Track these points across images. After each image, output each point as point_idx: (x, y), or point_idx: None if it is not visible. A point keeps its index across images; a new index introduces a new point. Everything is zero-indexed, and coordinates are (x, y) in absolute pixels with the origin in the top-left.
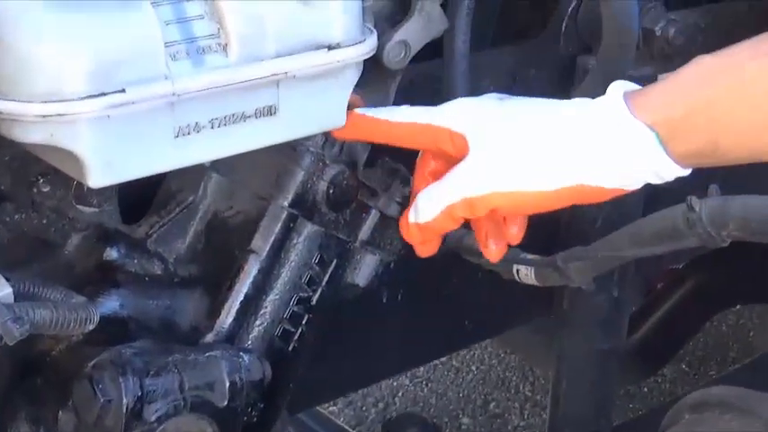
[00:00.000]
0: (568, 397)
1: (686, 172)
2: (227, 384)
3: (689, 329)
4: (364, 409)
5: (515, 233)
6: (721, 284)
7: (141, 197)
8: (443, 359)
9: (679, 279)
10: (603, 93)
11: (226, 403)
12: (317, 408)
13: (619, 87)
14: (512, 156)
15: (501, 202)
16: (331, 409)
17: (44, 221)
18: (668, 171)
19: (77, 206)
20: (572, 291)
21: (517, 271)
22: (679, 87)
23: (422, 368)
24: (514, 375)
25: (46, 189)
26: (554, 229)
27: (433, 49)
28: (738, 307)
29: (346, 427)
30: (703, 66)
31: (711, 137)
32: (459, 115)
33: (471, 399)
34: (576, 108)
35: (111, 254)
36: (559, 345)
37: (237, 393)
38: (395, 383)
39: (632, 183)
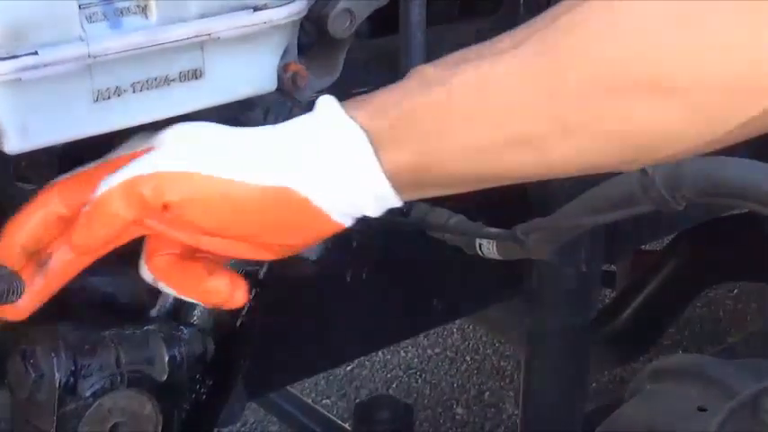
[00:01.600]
0: (540, 374)
1: (399, 202)
2: (167, 358)
3: (673, 310)
4: (357, 401)
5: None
6: (703, 264)
7: None
8: (438, 350)
9: (659, 261)
10: None
11: (165, 378)
12: (310, 402)
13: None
14: (207, 143)
15: (183, 189)
16: (324, 402)
17: None
18: (381, 187)
19: (17, 183)
20: (540, 267)
21: (479, 245)
22: (396, 95)
23: (416, 359)
24: (509, 365)
25: None
26: (525, 210)
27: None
28: (735, 291)
29: (339, 421)
30: (424, 74)
31: (421, 149)
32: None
33: (466, 389)
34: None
35: None
36: (529, 322)
37: (177, 367)
38: (388, 375)
39: (346, 202)
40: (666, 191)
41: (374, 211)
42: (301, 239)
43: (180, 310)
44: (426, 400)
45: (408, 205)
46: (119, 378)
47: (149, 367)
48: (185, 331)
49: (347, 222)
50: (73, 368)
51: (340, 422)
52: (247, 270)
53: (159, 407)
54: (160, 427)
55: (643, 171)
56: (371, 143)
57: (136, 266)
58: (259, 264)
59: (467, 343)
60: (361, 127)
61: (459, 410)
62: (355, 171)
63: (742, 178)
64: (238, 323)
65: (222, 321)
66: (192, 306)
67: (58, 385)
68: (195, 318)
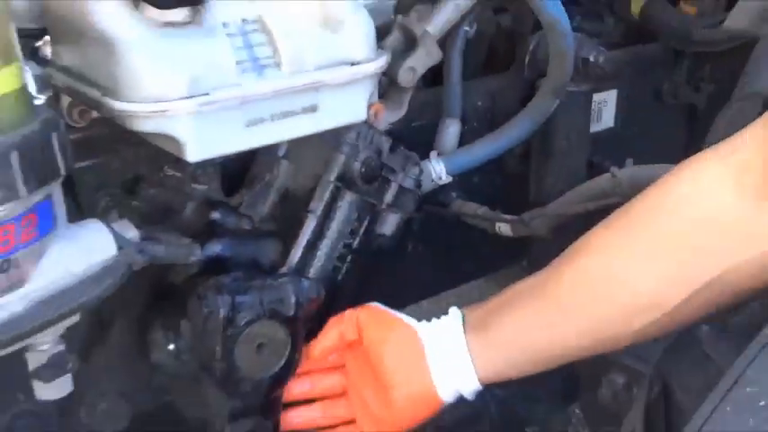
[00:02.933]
0: None
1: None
2: (293, 300)
3: None
4: None
5: None
6: None
7: (235, 178)
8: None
9: None
10: (552, 104)
11: (292, 313)
12: None
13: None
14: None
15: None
16: None
17: (168, 195)
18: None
19: (192, 185)
20: (538, 242)
21: (498, 227)
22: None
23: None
24: None
25: (171, 173)
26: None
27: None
28: None
29: None
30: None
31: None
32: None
33: None
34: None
35: (215, 216)
36: None
37: (300, 306)
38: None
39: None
40: (629, 187)
41: (467, 388)
42: (410, 395)
43: (302, 268)
44: None
45: (450, 199)
46: (261, 313)
47: (282, 306)
48: (305, 283)
49: (444, 398)
50: (231, 306)
51: None
52: (345, 242)
53: (289, 333)
54: (289, 347)
55: (613, 174)
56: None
57: (271, 240)
58: (352, 238)
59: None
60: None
61: None
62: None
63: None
64: (339, 278)
65: (329, 277)
66: (310, 265)
67: (222, 317)
68: (311, 273)
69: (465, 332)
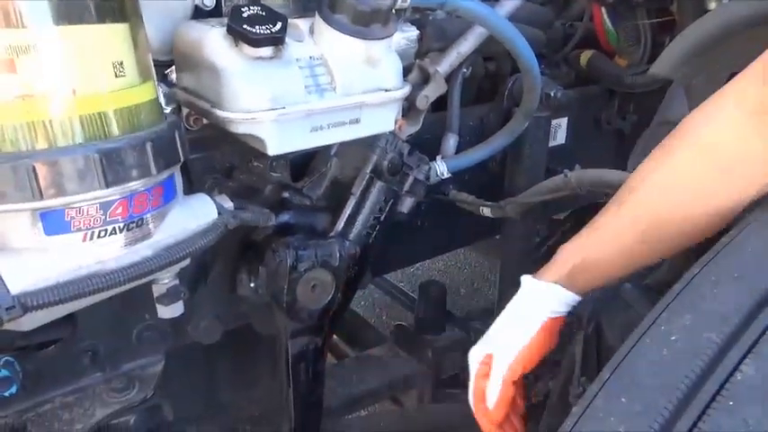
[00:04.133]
0: (510, 271)
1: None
2: (338, 255)
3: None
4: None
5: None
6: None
7: (300, 169)
8: (451, 262)
9: (561, 222)
10: (523, 125)
11: (337, 264)
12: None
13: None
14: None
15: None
16: (399, 284)
17: (254, 179)
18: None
19: (270, 173)
20: (509, 222)
21: (482, 210)
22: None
23: (442, 265)
24: (489, 271)
25: (256, 164)
26: (500, 190)
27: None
28: None
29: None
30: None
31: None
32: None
33: (464, 281)
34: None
35: (285, 195)
36: (501, 250)
37: (343, 259)
38: (429, 273)
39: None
40: (576, 185)
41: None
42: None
43: (344, 234)
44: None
45: (448, 190)
46: (316, 263)
47: (330, 258)
48: (347, 243)
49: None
50: (295, 257)
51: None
52: (375, 216)
53: (334, 278)
54: (334, 288)
55: (565, 174)
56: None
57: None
58: (380, 213)
59: (467, 259)
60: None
61: (462, 290)
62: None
63: (609, 177)
64: (370, 241)
65: (363, 240)
66: (350, 231)
67: (288, 265)
68: (350, 238)
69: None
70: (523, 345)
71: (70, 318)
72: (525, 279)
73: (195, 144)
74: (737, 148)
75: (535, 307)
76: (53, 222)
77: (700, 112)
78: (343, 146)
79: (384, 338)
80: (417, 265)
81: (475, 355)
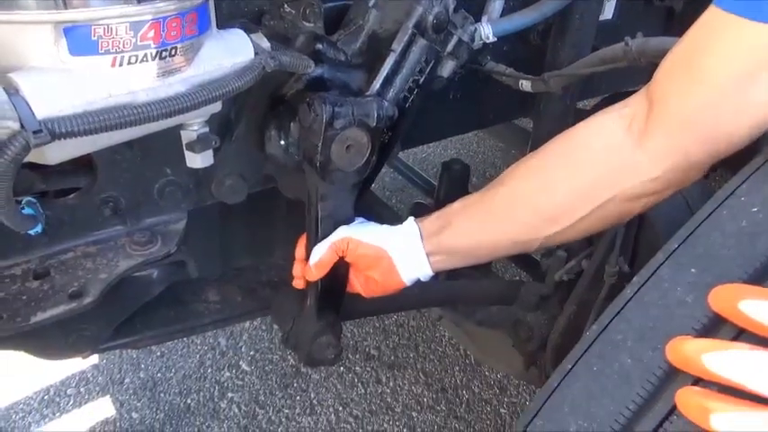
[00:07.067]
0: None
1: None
2: (375, 114)
3: None
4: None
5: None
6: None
7: (335, 20)
8: (474, 146)
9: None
10: None
11: (374, 124)
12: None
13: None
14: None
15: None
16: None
17: (285, 26)
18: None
19: (303, 21)
20: (545, 100)
21: (521, 83)
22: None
23: (462, 150)
24: (502, 160)
25: (288, 9)
26: (538, 67)
27: None
28: None
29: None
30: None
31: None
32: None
33: (482, 166)
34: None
35: (319, 46)
36: (533, 132)
37: (380, 120)
38: (444, 155)
39: (407, 267)
40: (637, 54)
41: (423, 276)
42: (385, 283)
43: (381, 94)
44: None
45: (486, 61)
46: (353, 121)
47: (367, 118)
48: (384, 103)
49: (407, 283)
50: (331, 114)
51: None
52: (414, 78)
53: (370, 139)
54: (369, 149)
55: (626, 42)
56: (423, 244)
57: (360, 70)
58: (420, 75)
59: (480, 147)
60: (422, 238)
61: (474, 179)
62: (414, 254)
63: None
64: (407, 105)
65: (400, 103)
66: (387, 92)
67: (324, 121)
68: (389, 97)
69: (422, 238)
70: (368, 243)
71: (89, 166)
72: (410, 222)
73: None
74: (625, 168)
75: (398, 244)
76: (78, 40)
77: (594, 122)
78: None
79: (400, 219)
80: (429, 150)
81: (342, 234)
